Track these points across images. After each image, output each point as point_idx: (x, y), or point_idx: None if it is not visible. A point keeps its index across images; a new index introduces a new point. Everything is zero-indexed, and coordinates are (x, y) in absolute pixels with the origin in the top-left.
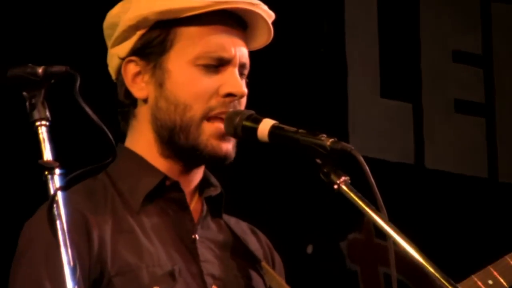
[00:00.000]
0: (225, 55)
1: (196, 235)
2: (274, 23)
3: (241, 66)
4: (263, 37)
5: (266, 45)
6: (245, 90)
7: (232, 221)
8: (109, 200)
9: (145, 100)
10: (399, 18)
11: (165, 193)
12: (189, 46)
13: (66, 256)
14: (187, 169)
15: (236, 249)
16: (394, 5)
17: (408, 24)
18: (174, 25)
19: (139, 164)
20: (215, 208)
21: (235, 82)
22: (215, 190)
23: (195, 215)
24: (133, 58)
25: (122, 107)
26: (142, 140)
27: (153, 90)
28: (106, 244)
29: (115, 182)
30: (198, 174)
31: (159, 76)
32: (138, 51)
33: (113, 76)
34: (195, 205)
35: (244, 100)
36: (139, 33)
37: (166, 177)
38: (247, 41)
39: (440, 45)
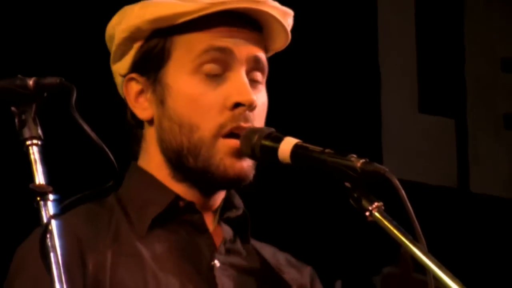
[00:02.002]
0: (229, 57)
1: (216, 262)
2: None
3: (253, 68)
4: (281, 38)
5: (285, 47)
6: (254, 97)
7: (267, 249)
8: (113, 224)
9: (150, 121)
10: (440, 22)
11: (179, 215)
12: (187, 54)
13: None
14: (204, 193)
15: (265, 278)
16: (434, 8)
17: (450, 29)
18: (172, 33)
19: (149, 183)
20: (241, 232)
21: (241, 88)
22: (236, 211)
23: (217, 240)
24: (133, 75)
25: (130, 128)
26: (152, 163)
27: (156, 109)
28: (105, 269)
29: (124, 204)
30: (219, 197)
31: (160, 93)
32: (138, 67)
33: (122, 95)
34: (216, 228)
35: (260, 113)
36: (136, 45)
37: (178, 197)
38: (263, 44)
39: (486, 53)
